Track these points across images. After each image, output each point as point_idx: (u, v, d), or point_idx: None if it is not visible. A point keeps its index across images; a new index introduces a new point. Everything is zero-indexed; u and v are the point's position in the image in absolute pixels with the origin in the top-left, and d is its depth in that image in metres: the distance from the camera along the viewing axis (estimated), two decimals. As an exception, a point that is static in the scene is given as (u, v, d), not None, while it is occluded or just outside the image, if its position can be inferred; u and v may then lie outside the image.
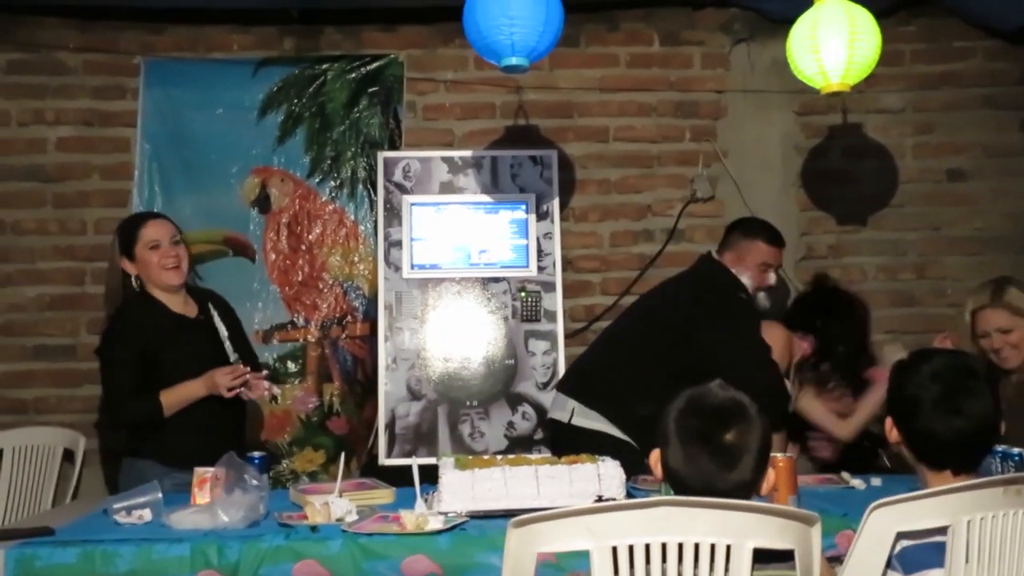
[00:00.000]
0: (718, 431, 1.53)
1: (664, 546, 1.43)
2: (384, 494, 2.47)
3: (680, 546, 1.43)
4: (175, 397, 2.69)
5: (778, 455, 2.28)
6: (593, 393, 2.96)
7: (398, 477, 2.66)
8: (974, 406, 1.76)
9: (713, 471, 1.53)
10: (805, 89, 3.18)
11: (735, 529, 1.43)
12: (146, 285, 2.83)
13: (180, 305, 2.86)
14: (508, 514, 2.13)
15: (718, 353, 2.77)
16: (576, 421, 2.95)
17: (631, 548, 1.43)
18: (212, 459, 2.61)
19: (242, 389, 2.74)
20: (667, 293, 3.17)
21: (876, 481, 2.61)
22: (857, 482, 2.57)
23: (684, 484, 1.56)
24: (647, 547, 1.43)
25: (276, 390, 2.89)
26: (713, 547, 1.42)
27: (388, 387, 3.53)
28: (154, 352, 2.74)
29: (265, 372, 2.88)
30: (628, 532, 1.44)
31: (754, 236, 3.11)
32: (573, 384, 3.07)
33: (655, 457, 1.62)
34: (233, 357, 2.79)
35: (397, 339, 3.56)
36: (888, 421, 1.85)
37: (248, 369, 2.73)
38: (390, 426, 3.51)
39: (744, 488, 1.54)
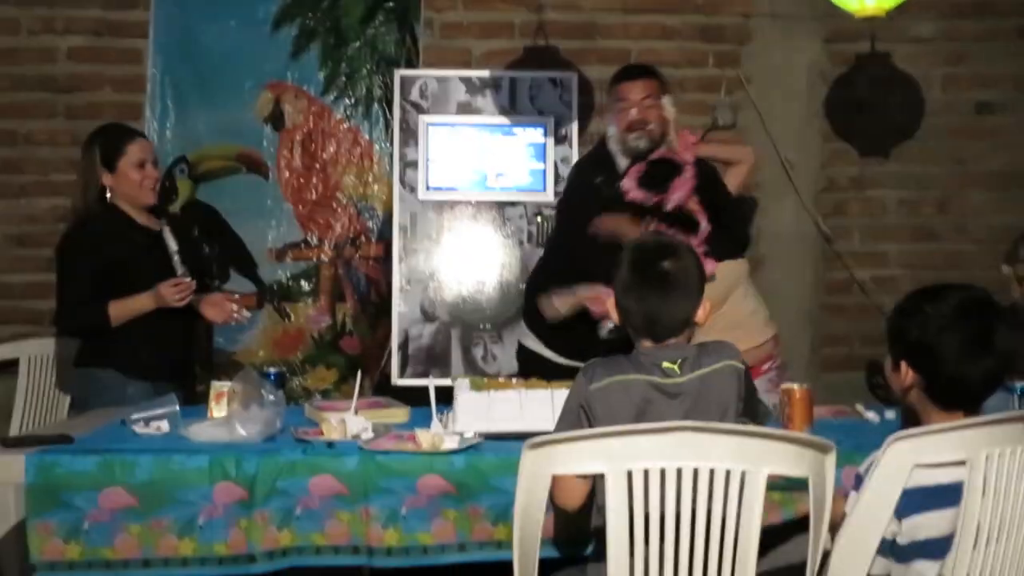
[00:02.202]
0: (656, 262, 1.82)
1: (679, 471, 1.43)
2: (399, 413, 2.48)
3: (695, 471, 1.43)
4: (123, 309, 2.70)
5: (794, 385, 2.28)
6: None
7: (410, 397, 2.68)
8: (1002, 342, 1.68)
9: (656, 300, 1.81)
10: (834, 14, 3.08)
11: (750, 455, 1.42)
12: (115, 199, 2.82)
13: (144, 218, 2.86)
14: (523, 436, 2.15)
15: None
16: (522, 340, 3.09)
17: (646, 472, 1.43)
18: (169, 370, 2.78)
19: (191, 301, 2.74)
20: None
21: (890, 414, 2.61)
22: (871, 415, 2.57)
23: (632, 317, 1.84)
24: (662, 472, 1.43)
25: (246, 314, 2.92)
26: (728, 473, 1.43)
27: (402, 308, 3.54)
28: (119, 263, 2.74)
29: (237, 296, 3.01)
30: (643, 456, 1.44)
31: (609, 83, 2.89)
32: None
33: (611, 303, 1.89)
34: (180, 270, 2.80)
35: (411, 261, 3.55)
36: (903, 366, 1.73)
37: (193, 283, 2.72)
38: (403, 347, 3.53)
39: (684, 311, 1.82)
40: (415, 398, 2.63)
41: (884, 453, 1.55)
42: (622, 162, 2.82)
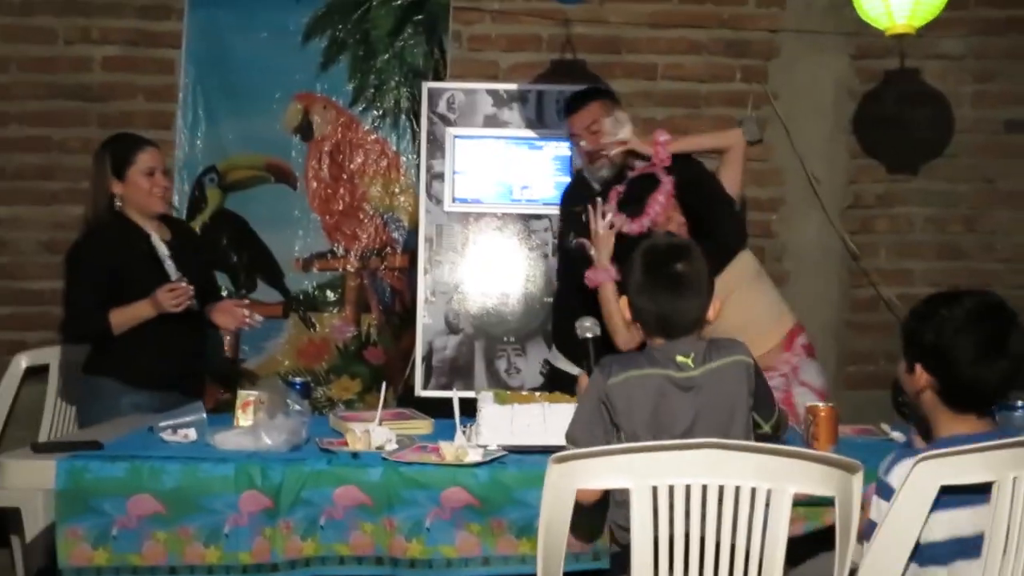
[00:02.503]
0: (669, 263, 1.88)
1: (704, 488, 1.43)
2: (423, 424, 2.49)
3: (720, 489, 1.43)
4: (124, 316, 2.69)
5: (819, 404, 2.27)
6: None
7: (433, 409, 2.70)
8: (1017, 344, 1.71)
9: (669, 300, 1.86)
10: (862, 31, 3.07)
11: (776, 474, 1.42)
12: (125, 207, 2.83)
13: (155, 229, 2.87)
14: (546, 450, 2.16)
15: None
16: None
17: (671, 489, 1.43)
18: (172, 379, 2.76)
19: (192, 304, 2.72)
20: None
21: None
22: (897, 434, 2.55)
23: (646, 316, 1.90)
24: (687, 488, 1.44)
25: (258, 319, 2.93)
26: (754, 491, 1.43)
27: (426, 320, 3.55)
28: (126, 272, 2.74)
29: (247, 302, 3.08)
30: (669, 473, 1.44)
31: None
32: None
33: (624, 302, 1.96)
34: (175, 276, 2.78)
35: (436, 272, 3.56)
36: (918, 369, 1.75)
37: (190, 287, 2.70)
38: (427, 359, 3.54)
39: (696, 311, 1.88)
40: (438, 410, 2.64)
41: (909, 473, 1.54)
42: (598, 188, 2.87)
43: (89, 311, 2.72)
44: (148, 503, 2.00)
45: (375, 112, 3.78)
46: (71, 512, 2.00)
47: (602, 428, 1.83)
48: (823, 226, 3.81)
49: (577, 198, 2.93)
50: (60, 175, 3.74)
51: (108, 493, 2.00)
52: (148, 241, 2.83)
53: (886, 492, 1.64)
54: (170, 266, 2.82)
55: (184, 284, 2.70)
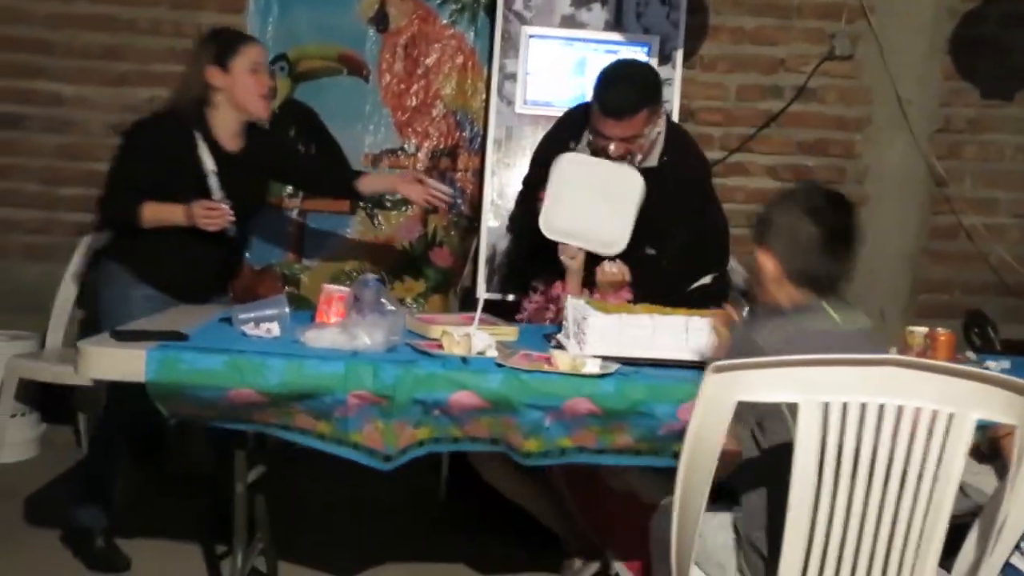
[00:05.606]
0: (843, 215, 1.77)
1: (881, 408, 1.37)
2: (508, 331, 2.42)
3: (899, 409, 1.36)
4: (157, 213, 2.58)
5: (939, 329, 2.23)
6: None
7: (490, 311, 2.60)
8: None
9: (844, 253, 1.73)
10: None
11: (960, 397, 1.35)
12: (219, 106, 2.67)
13: (228, 137, 2.71)
14: (655, 363, 2.11)
15: None
16: None
17: (844, 406, 1.37)
18: (182, 290, 2.66)
19: (229, 229, 2.61)
20: None
21: (1005, 363, 2.54)
22: (991, 364, 2.50)
23: (817, 270, 1.74)
24: (862, 407, 1.37)
25: (446, 190, 2.94)
26: (934, 414, 1.36)
27: (491, 223, 3.48)
28: (168, 172, 2.61)
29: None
30: (844, 389, 1.38)
31: (594, 91, 2.57)
32: None
33: (771, 264, 1.80)
34: (218, 195, 2.63)
35: (504, 175, 3.48)
36: None
37: (228, 210, 2.56)
38: (490, 261, 3.49)
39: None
40: (496, 313, 2.60)
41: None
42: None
43: (128, 195, 2.60)
44: (251, 396, 1.91)
45: (454, 5, 3.63)
46: (167, 402, 1.93)
47: None
48: (909, 149, 3.69)
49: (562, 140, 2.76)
50: (129, 56, 3.63)
51: (206, 385, 1.90)
52: (222, 156, 2.67)
53: None
54: (214, 183, 2.65)
55: (225, 207, 2.57)
